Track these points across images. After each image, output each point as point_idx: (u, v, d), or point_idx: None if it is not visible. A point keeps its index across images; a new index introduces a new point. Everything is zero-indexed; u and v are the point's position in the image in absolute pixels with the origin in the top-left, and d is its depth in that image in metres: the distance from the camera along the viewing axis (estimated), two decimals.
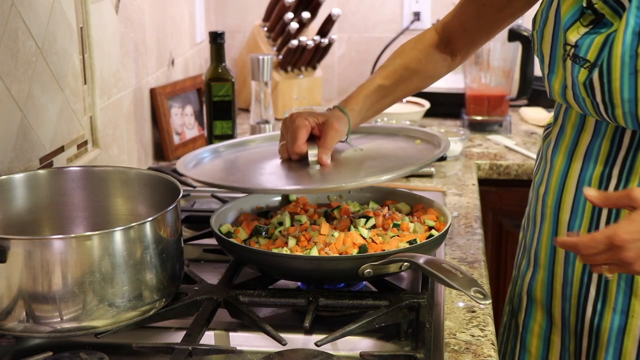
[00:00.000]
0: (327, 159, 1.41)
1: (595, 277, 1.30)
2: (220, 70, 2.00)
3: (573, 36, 1.20)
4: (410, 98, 2.47)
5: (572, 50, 1.20)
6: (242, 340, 1.19)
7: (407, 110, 2.37)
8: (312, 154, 1.40)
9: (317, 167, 1.40)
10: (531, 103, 2.54)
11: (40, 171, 1.31)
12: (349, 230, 1.32)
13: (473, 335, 1.19)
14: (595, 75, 1.17)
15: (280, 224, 1.37)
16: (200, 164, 1.49)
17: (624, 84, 1.14)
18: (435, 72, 1.56)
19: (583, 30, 1.19)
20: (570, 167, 1.33)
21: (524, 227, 1.47)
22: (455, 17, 1.52)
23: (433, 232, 1.35)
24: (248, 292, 1.23)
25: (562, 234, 1.34)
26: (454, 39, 1.52)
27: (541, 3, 1.30)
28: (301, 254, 1.27)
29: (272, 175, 1.42)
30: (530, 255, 1.42)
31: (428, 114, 2.40)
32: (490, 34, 1.53)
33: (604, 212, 1.28)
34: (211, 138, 2.04)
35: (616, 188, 1.26)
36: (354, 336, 1.16)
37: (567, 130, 1.34)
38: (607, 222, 1.27)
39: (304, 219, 1.38)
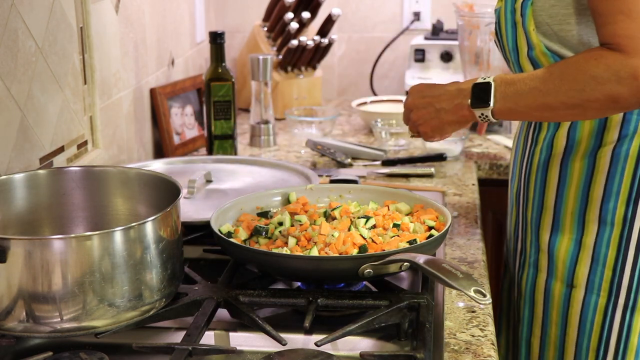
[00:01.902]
0: None
1: (520, 232, 1.47)
2: (220, 70, 2.00)
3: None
4: None
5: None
6: (242, 340, 1.19)
7: None
8: None
9: None
10: None
11: (40, 171, 1.31)
12: (349, 230, 1.32)
13: (473, 335, 1.19)
14: (496, 35, 1.43)
15: (280, 224, 1.37)
16: None
17: (508, 36, 1.38)
18: None
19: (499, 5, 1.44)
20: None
21: None
22: None
23: (433, 232, 1.35)
24: (248, 292, 1.22)
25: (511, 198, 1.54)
26: None
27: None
28: (301, 254, 1.27)
29: None
30: None
31: None
32: None
33: (531, 178, 1.43)
34: (211, 138, 2.04)
35: (530, 150, 1.42)
36: (354, 336, 1.16)
37: None
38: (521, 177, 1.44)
39: (304, 219, 1.38)
